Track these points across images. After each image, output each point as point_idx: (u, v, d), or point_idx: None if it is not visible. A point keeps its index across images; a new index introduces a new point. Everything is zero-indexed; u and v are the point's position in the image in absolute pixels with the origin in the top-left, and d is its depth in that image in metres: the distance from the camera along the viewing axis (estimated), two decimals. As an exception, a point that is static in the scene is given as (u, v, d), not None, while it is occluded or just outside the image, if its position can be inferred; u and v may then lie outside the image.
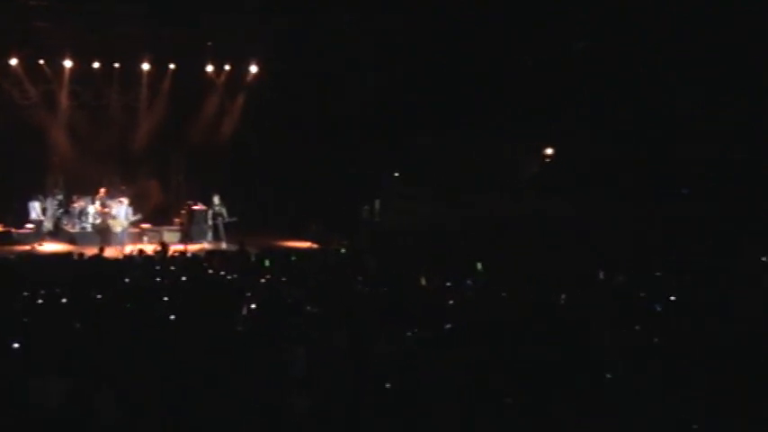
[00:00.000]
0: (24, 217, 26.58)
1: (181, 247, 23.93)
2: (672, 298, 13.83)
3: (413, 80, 27.00)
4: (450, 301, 13.74)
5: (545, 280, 15.72)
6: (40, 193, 27.39)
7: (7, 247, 25.07)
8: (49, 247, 25.74)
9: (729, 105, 24.16)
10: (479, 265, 17.20)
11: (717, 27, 22.97)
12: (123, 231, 26.12)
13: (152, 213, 28.02)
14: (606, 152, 26.31)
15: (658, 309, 12.91)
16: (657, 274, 16.67)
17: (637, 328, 11.62)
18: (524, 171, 29.25)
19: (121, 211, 26.37)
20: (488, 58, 25.95)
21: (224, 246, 26.06)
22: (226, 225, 26.99)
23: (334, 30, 26.34)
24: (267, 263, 18.59)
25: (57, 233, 27.42)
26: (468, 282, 15.93)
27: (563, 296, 14.03)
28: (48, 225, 27.34)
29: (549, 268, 17.53)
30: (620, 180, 26.00)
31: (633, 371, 9.77)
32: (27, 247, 24.89)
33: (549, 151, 29.28)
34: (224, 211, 27.17)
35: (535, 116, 26.24)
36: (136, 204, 27.05)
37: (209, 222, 27.32)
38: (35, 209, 26.46)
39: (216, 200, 27.21)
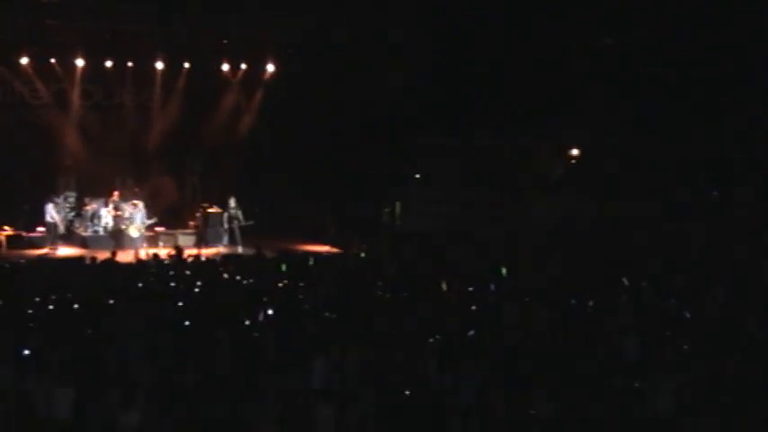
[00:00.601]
0: (35, 220, 26.55)
1: (195, 251, 23.98)
2: (703, 304, 13.79)
3: (436, 79, 26.95)
4: (473, 307, 13.73)
5: (571, 285, 15.70)
6: (52, 195, 27.41)
7: (17, 251, 25.14)
8: (61, 251, 25.80)
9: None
10: (504, 270, 17.18)
11: (751, 19, 22.83)
12: (141, 236, 26.08)
13: (166, 212, 28.02)
14: (634, 152, 26.18)
15: (687, 315, 12.85)
16: (687, 278, 16.59)
17: (667, 334, 11.60)
18: (550, 172, 29.15)
19: (137, 215, 26.35)
20: (513, 56, 25.88)
21: (240, 250, 26.07)
22: (242, 228, 26.95)
23: (353, 27, 26.36)
24: (284, 267, 18.60)
25: (69, 236, 27.48)
26: (492, 287, 15.91)
27: (590, 302, 14.01)
28: (61, 228, 27.41)
29: (575, 273, 17.50)
30: (648, 181, 25.86)
31: (663, 379, 9.74)
32: (42, 251, 25.01)
33: (575, 152, 29.17)
34: (240, 214, 27.10)
35: (561, 116, 26.13)
36: (150, 205, 27.10)
37: (225, 226, 27.26)
38: (50, 211, 26.38)
39: (231, 202, 27.12)
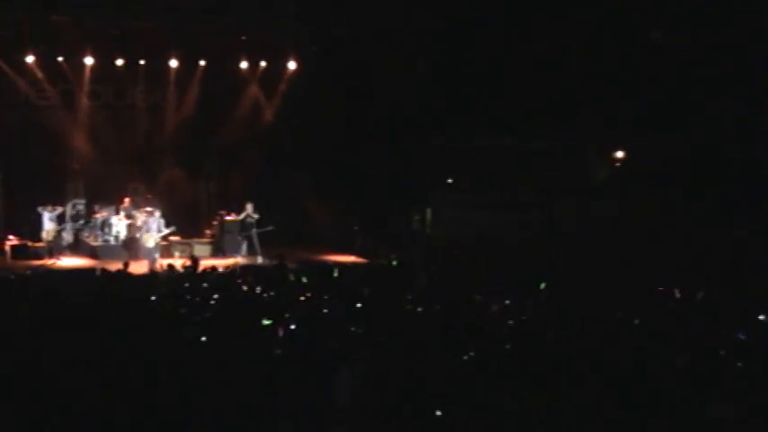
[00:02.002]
0: (41, 228, 26.62)
1: (212, 262, 24.05)
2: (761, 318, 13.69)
3: (469, 76, 26.92)
4: (510, 321, 13.70)
5: (616, 298, 15.64)
6: (58, 201, 27.49)
7: (23, 262, 25.25)
8: (69, 261, 25.89)
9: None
10: (543, 285, 17.13)
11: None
12: (156, 246, 26.03)
13: (182, 215, 28.05)
14: (684, 154, 26.07)
15: (741, 336, 12.72)
16: (742, 291, 16.49)
17: (722, 353, 11.51)
18: (593, 176, 29.07)
19: (153, 224, 26.33)
20: (552, 51, 25.84)
21: (260, 260, 26.11)
22: (260, 236, 26.90)
23: (381, 19, 26.39)
24: (305, 279, 18.62)
25: (76, 246, 27.59)
26: (530, 300, 15.88)
27: (636, 319, 13.95)
28: (67, 237, 27.52)
29: (620, 284, 17.43)
30: (699, 185, 25.73)
31: (714, 400, 9.68)
32: (42, 262, 25.08)
33: (620, 154, 29.07)
34: (254, 220, 27.00)
35: (605, 115, 26.06)
36: (165, 204, 27.16)
37: (243, 234, 27.19)
38: (46, 216, 26.33)
39: (249, 208, 27.09)
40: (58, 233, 26.61)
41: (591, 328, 12.96)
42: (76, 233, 28.02)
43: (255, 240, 26.89)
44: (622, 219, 26.03)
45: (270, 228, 26.89)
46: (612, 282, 17.98)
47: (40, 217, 26.42)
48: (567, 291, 16.86)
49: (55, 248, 26.15)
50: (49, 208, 26.48)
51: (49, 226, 26.33)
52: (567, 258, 22.31)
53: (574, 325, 13.25)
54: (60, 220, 27.10)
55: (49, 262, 25.24)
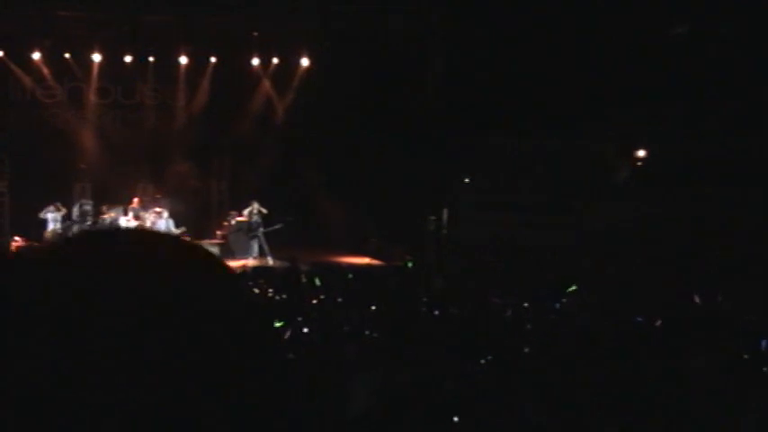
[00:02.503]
0: (47, 229, 26.64)
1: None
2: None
3: (486, 71, 26.88)
4: (528, 326, 13.68)
5: (639, 300, 15.60)
6: (65, 201, 27.52)
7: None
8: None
9: None
10: (573, 287, 17.07)
11: None
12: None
13: (192, 212, 28.04)
14: (708, 152, 26.00)
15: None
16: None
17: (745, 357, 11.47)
18: (614, 175, 29.01)
19: (162, 225, 26.33)
20: (573, 46, 25.80)
21: (270, 261, 26.09)
22: (269, 235, 26.83)
23: (395, 14, 26.38)
24: (318, 281, 18.61)
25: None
26: (550, 302, 15.86)
27: (659, 321, 13.90)
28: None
29: (643, 286, 17.40)
30: (724, 185, 25.65)
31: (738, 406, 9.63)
32: None
33: (642, 153, 29.01)
34: (261, 219, 27.01)
35: (625, 113, 26.01)
36: (175, 211, 27.15)
37: (251, 234, 27.09)
38: (50, 216, 26.29)
39: (254, 207, 27.07)
40: (63, 234, 26.44)
41: (612, 332, 12.93)
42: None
43: (263, 240, 26.85)
44: (645, 220, 25.95)
45: (278, 226, 26.84)
46: (635, 283, 17.95)
47: (45, 218, 26.40)
48: (589, 294, 16.84)
49: None
50: (52, 208, 26.37)
51: (53, 227, 26.28)
52: (589, 261, 22.26)
53: (595, 329, 13.23)
54: (65, 220, 27.05)
55: None
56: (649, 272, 19.92)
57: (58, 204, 26.82)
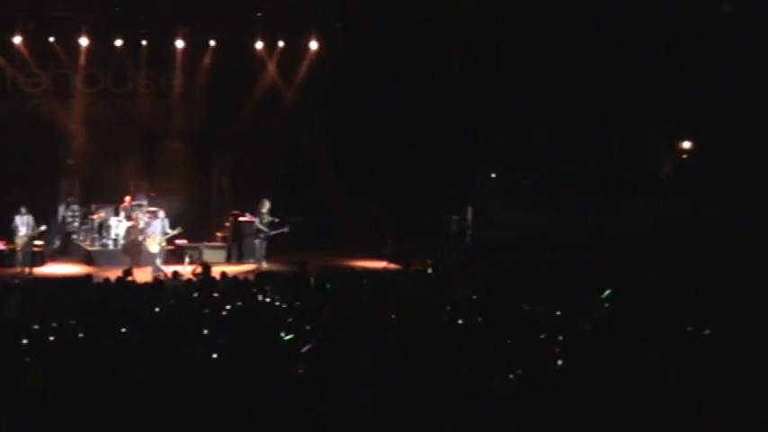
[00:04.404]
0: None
1: (225, 269, 24.08)
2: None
3: (514, 57, 26.85)
4: (560, 337, 13.69)
5: (683, 310, 15.60)
6: (51, 200, 27.56)
7: (10, 270, 25.32)
8: (58, 269, 25.92)
9: None
10: (606, 293, 17.07)
11: None
12: (161, 251, 26.07)
13: (189, 211, 28.06)
14: (759, 144, 25.92)
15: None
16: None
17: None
18: (656, 169, 28.94)
19: (157, 226, 26.22)
20: (607, 26, 25.75)
21: (264, 266, 26.14)
22: (272, 239, 26.83)
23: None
24: (329, 287, 18.65)
25: (66, 251, 27.66)
26: (586, 312, 15.86)
27: (707, 330, 13.91)
28: (56, 241, 27.59)
29: (687, 294, 17.38)
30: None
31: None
32: (18, 270, 25.04)
33: (687, 144, 28.93)
34: (268, 222, 27.08)
35: (669, 100, 25.94)
36: (172, 211, 27.12)
37: (261, 236, 27.02)
38: (18, 221, 25.90)
39: (266, 207, 27.05)
40: (31, 240, 26.09)
41: (657, 343, 12.93)
42: (68, 236, 28.06)
43: (263, 245, 26.80)
44: (691, 219, 25.86)
45: (284, 230, 26.84)
46: (679, 290, 17.93)
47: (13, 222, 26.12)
48: (629, 301, 16.83)
49: (24, 257, 25.79)
50: (23, 210, 25.93)
51: (22, 231, 25.95)
52: (628, 264, 22.24)
53: (637, 340, 13.23)
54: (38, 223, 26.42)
55: (22, 272, 25.13)
56: (696, 276, 19.88)
57: (22, 210, 25.99)
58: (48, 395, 10.36)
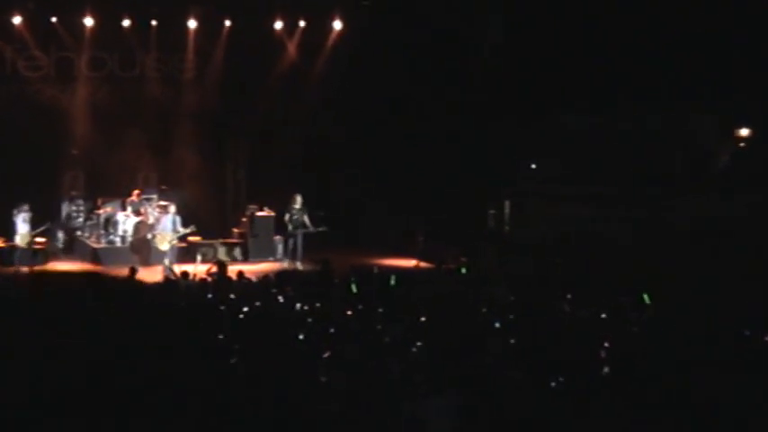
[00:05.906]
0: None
1: (242, 267, 24.09)
2: None
3: (556, 38, 26.81)
4: (606, 344, 13.68)
5: (738, 313, 15.55)
6: (54, 193, 27.63)
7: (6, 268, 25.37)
8: (63, 267, 25.95)
9: None
10: (646, 297, 17.05)
11: None
12: (172, 249, 26.05)
13: (202, 206, 28.06)
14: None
15: None
16: None
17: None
18: (712, 160, 28.85)
19: (167, 222, 26.26)
20: (660, 7, 25.72)
21: (299, 266, 26.14)
22: (306, 237, 26.79)
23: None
24: (355, 288, 18.66)
25: (71, 249, 27.70)
26: (633, 315, 15.84)
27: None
28: (60, 238, 27.64)
29: (743, 296, 17.33)
30: None
31: None
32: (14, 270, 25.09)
33: (745, 132, 28.82)
34: (306, 219, 26.90)
35: (726, 86, 25.86)
36: (184, 206, 27.12)
37: (290, 231, 26.92)
38: (19, 218, 25.94)
39: (296, 203, 27.07)
40: (33, 237, 26.13)
41: (708, 350, 12.91)
42: (72, 233, 28.09)
43: (300, 242, 26.77)
44: (748, 216, 25.76)
45: (322, 228, 26.87)
46: (736, 292, 17.88)
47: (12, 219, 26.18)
48: (678, 305, 16.79)
49: (23, 256, 25.84)
50: (25, 207, 26.05)
51: (23, 229, 26.03)
52: (680, 264, 22.20)
53: (687, 347, 13.21)
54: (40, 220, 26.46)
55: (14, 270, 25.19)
56: (753, 276, 19.81)
57: (24, 207, 26.06)
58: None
